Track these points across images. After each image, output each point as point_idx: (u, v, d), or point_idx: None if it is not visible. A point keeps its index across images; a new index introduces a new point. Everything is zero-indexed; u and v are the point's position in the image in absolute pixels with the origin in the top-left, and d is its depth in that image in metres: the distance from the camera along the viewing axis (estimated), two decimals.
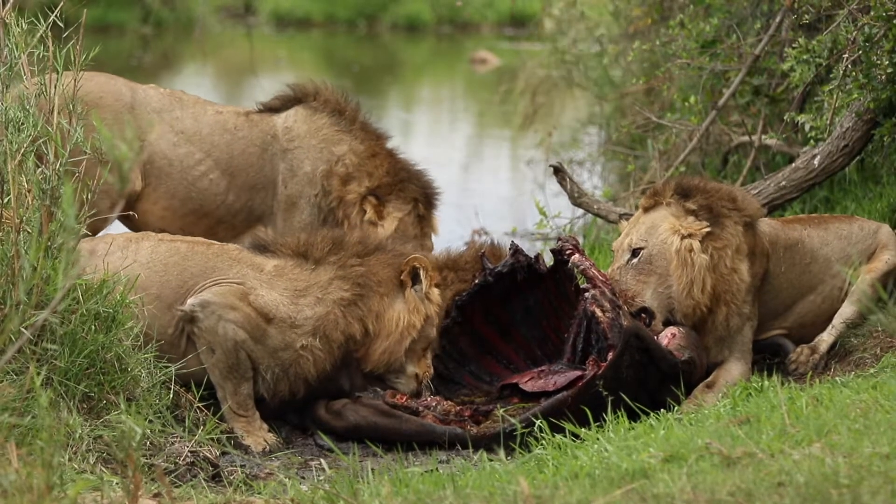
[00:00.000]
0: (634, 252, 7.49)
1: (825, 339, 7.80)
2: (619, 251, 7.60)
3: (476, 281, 7.90)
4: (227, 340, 6.87)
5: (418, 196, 8.45)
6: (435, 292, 7.41)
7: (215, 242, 7.33)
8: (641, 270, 7.47)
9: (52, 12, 6.36)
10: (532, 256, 7.94)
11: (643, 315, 7.39)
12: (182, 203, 8.17)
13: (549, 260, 8.03)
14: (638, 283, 7.45)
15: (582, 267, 7.41)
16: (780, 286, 7.82)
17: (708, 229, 7.42)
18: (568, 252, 7.51)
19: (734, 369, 7.48)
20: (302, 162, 8.31)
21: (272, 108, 8.53)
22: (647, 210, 7.63)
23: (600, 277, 7.36)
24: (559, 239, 7.73)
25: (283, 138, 8.33)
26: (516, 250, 7.92)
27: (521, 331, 8.02)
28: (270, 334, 6.95)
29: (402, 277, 7.28)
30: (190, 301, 6.91)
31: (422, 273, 7.30)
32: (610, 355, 7.00)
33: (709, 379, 7.43)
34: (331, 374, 7.13)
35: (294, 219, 8.22)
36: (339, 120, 8.43)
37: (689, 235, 7.41)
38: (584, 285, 7.36)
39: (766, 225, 7.85)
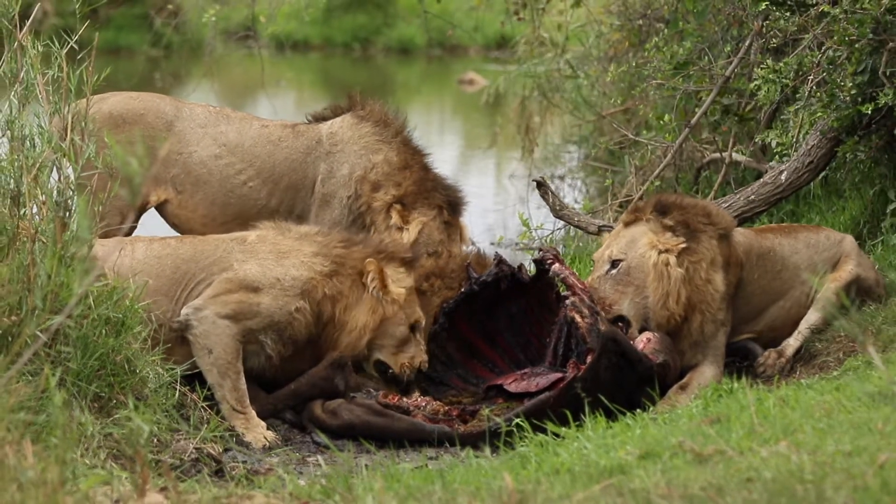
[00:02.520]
0: (614, 263, 7.50)
1: (792, 343, 7.81)
2: (599, 261, 7.61)
3: (462, 289, 7.90)
4: (224, 337, 6.90)
5: (442, 203, 8.37)
6: (395, 292, 7.35)
7: (198, 235, 7.52)
8: (620, 281, 7.47)
9: (66, 35, 6.36)
10: (515, 266, 7.94)
11: (620, 324, 7.40)
12: (222, 209, 8.21)
13: (530, 269, 8.04)
14: (616, 292, 7.46)
15: (562, 276, 7.42)
16: (752, 292, 7.83)
17: (684, 245, 7.44)
18: (549, 262, 7.52)
19: (707, 372, 7.48)
20: (341, 165, 8.29)
21: (322, 118, 8.52)
22: (627, 225, 7.64)
23: (579, 285, 7.36)
24: (540, 249, 7.73)
25: (327, 142, 8.32)
26: (500, 261, 7.91)
27: (506, 337, 8.01)
28: (262, 303, 7.02)
29: (362, 280, 7.30)
30: (184, 311, 6.95)
31: (370, 276, 7.28)
32: (589, 358, 7.01)
33: (682, 381, 7.43)
34: (314, 336, 7.22)
35: (325, 215, 8.21)
36: (382, 130, 8.37)
37: (667, 250, 7.42)
38: (564, 293, 7.37)
39: (741, 235, 7.86)
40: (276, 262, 7.11)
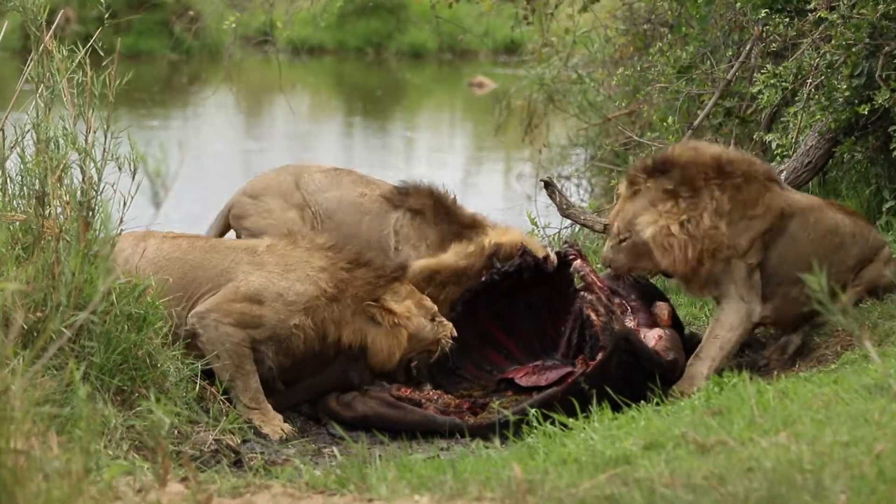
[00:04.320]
0: (622, 240, 7.42)
1: (794, 340, 7.75)
2: (611, 227, 7.52)
3: (483, 279, 7.88)
4: (228, 344, 6.86)
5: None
6: (402, 312, 7.18)
7: (213, 238, 7.63)
8: (631, 252, 7.39)
9: (89, 41, 6.38)
10: (540, 257, 7.92)
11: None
12: None
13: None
14: (631, 261, 7.40)
15: (582, 273, 7.47)
16: (805, 250, 7.44)
17: (685, 217, 7.25)
18: (571, 257, 7.57)
19: (726, 314, 7.39)
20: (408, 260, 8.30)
21: (403, 195, 8.56)
22: (629, 198, 7.49)
23: (598, 284, 7.39)
24: (565, 243, 7.82)
25: (393, 239, 8.43)
26: (524, 251, 7.91)
27: (523, 325, 8.02)
28: (265, 315, 6.92)
29: (365, 306, 7.12)
30: (189, 318, 6.91)
31: (378, 317, 7.13)
32: (599, 356, 7.02)
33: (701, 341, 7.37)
34: (319, 351, 7.11)
35: None
36: (424, 219, 8.47)
37: (666, 220, 7.26)
38: (579, 285, 7.41)
39: (801, 195, 7.74)
40: (282, 275, 7.03)
